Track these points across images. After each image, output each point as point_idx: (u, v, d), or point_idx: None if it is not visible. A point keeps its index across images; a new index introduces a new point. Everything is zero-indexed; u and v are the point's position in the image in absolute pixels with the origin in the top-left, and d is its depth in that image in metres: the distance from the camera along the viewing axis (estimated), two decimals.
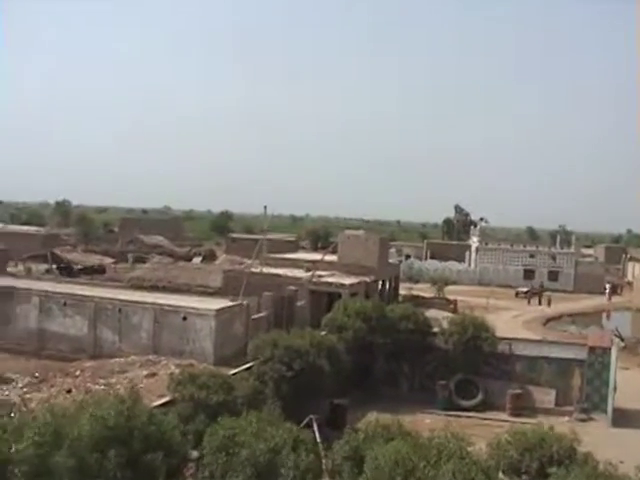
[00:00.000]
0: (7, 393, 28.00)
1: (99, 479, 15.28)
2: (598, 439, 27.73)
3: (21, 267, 67.62)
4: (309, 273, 51.14)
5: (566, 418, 36.61)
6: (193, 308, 35.24)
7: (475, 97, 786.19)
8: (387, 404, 36.43)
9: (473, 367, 39.63)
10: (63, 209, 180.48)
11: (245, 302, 37.64)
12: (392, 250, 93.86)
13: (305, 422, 23.82)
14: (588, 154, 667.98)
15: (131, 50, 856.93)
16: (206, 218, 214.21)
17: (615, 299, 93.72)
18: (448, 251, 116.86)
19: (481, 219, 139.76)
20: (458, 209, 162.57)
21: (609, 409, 37.29)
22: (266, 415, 19.88)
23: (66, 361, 33.78)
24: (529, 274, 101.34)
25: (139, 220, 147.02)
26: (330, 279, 50.97)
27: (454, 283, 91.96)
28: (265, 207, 62.71)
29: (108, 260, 79.36)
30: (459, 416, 36.73)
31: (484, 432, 31.26)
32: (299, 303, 43.66)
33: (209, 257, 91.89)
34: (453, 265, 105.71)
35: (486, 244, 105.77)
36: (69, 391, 27.37)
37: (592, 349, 38.92)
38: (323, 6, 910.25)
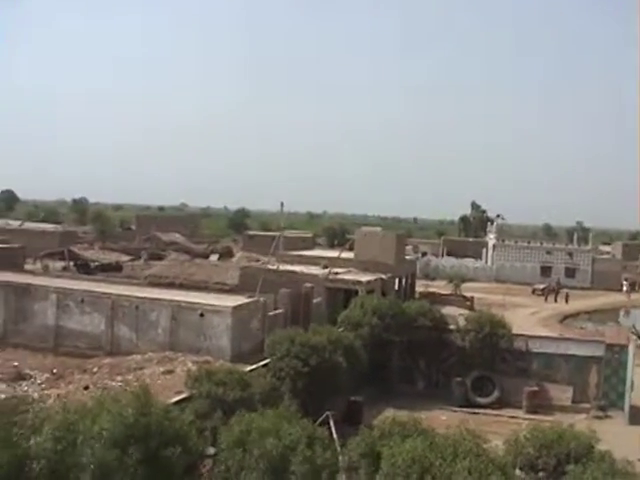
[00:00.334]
0: (26, 389, 28.17)
1: (118, 476, 15.34)
2: (615, 437, 27.63)
3: (38, 264, 67.84)
4: (326, 270, 51.14)
5: (583, 416, 36.52)
6: (210, 305, 35.26)
7: (494, 95, 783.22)
8: (403, 401, 36.43)
9: (489, 364, 39.61)
10: (80, 207, 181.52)
11: (262, 299, 37.66)
12: (409, 247, 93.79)
13: (321, 419, 23.84)
14: (606, 150, 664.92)
15: (155, 48, 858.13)
16: (223, 215, 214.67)
17: (633, 296, 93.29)
18: (465, 248, 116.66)
19: (498, 216, 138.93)
20: (475, 206, 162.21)
21: (626, 407, 37.21)
22: (282, 411, 19.91)
23: (83, 358, 33.91)
24: (546, 271, 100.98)
25: (156, 217, 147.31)
26: (347, 276, 50.95)
27: (471, 280, 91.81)
28: (282, 204, 63.02)
29: (125, 257, 79.52)
30: (475, 413, 36.72)
31: (501, 429, 31.21)
32: (315, 300, 43.66)
33: (226, 254, 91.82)
34: (470, 262, 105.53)
35: (503, 241, 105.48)
36: (86, 388, 27.46)
37: (609, 346, 38.81)
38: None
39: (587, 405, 38.24)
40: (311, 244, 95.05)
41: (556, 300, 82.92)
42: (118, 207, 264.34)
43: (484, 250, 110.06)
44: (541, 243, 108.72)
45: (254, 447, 17.34)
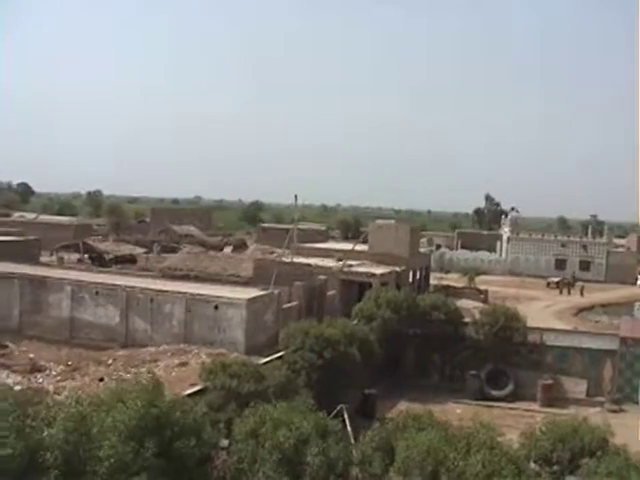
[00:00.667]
0: (41, 381, 28.28)
1: (134, 468, 15.40)
2: (630, 430, 27.54)
3: (54, 257, 68.14)
4: (340, 263, 51.15)
5: (597, 409, 36.47)
6: (224, 297, 35.29)
7: (504, 87, 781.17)
8: (417, 394, 36.46)
9: (504, 357, 39.58)
10: (95, 199, 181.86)
11: (276, 291, 37.69)
12: (423, 240, 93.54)
13: (335, 411, 23.85)
14: (620, 142, 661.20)
15: (171, 42, 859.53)
16: (237, 208, 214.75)
17: None
18: (479, 241, 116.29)
19: (512, 209, 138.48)
20: (489, 199, 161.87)
21: None
22: (296, 404, 19.94)
23: (98, 350, 34.02)
24: (560, 264, 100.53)
25: (170, 210, 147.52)
26: (361, 269, 50.96)
27: (485, 273, 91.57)
28: (296, 197, 62.81)
29: (139, 250, 79.66)
30: (490, 406, 36.70)
31: (515, 422, 31.22)
32: (330, 293, 43.70)
33: (240, 247, 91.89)
34: (484, 255, 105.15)
35: (517, 234, 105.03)
36: (101, 380, 27.57)
37: (624, 340, 38.73)
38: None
39: (601, 398, 38.18)
40: (325, 237, 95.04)
41: (569, 293, 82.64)
42: (133, 200, 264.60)
43: (498, 243, 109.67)
44: (555, 236, 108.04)
45: (267, 439, 17.39)
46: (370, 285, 46.57)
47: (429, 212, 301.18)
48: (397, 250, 56.34)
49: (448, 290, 65.75)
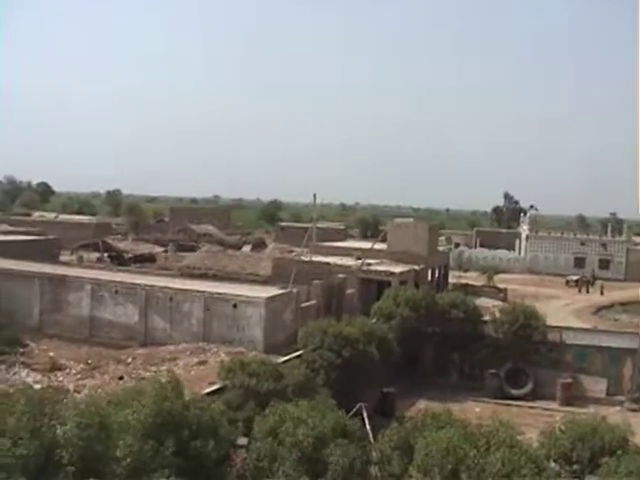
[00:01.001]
0: (61, 380, 28.42)
1: (152, 467, 15.46)
2: None
3: (73, 256, 68.35)
4: (358, 261, 51.14)
5: (617, 408, 36.35)
6: (243, 296, 35.33)
7: (528, 84, 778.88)
8: (436, 392, 36.46)
9: (523, 356, 39.49)
10: (114, 199, 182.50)
11: (295, 290, 37.70)
12: (441, 238, 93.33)
13: (354, 410, 23.87)
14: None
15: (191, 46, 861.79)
16: (255, 207, 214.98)
17: None
18: (498, 239, 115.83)
19: (531, 207, 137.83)
20: (507, 197, 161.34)
21: None
22: (316, 403, 19.96)
23: (117, 349, 34.17)
24: (580, 262, 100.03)
25: (189, 209, 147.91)
26: (379, 267, 50.91)
27: (504, 272, 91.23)
28: (314, 196, 62.85)
29: (158, 249, 79.86)
30: (509, 405, 36.65)
31: (534, 421, 31.14)
32: (349, 291, 43.68)
33: (259, 246, 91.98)
34: (503, 253, 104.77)
35: (536, 232, 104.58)
36: (121, 378, 27.70)
37: None
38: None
39: (621, 397, 38.03)
40: (344, 236, 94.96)
41: (588, 291, 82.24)
42: (151, 199, 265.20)
43: (517, 241, 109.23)
44: (575, 234, 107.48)
45: (287, 437, 17.43)
46: (389, 284, 46.53)
47: (448, 210, 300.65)
48: (416, 249, 56.27)
49: (467, 288, 65.54)
